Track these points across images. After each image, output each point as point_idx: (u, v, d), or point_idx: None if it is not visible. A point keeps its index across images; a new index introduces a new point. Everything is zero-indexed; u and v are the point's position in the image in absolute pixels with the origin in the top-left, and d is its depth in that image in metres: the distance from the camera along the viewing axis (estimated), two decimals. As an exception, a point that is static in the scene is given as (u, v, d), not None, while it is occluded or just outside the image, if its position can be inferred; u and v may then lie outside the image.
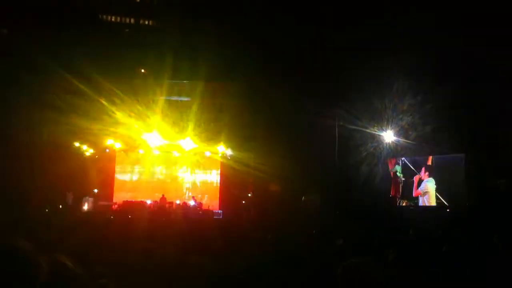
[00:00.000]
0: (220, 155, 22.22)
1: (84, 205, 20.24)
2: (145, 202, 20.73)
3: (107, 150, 21.99)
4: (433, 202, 17.53)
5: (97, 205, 20.47)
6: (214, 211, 20.78)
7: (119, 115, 19.44)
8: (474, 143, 16.17)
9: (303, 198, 18.76)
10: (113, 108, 19.24)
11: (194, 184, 22.83)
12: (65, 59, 17.54)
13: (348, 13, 18.83)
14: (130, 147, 22.12)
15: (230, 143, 21.39)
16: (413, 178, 18.13)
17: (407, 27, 16.72)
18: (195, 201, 20.90)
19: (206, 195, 22.59)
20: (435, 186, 17.53)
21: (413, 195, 18.08)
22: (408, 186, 18.38)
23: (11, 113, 17.22)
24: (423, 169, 17.80)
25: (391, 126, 18.49)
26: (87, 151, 22.00)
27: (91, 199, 20.63)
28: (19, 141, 17.59)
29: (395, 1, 17.53)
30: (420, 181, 17.92)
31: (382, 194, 18.51)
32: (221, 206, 21.89)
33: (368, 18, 18.17)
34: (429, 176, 17.67)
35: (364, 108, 18.29)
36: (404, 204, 18.41)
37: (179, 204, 20.96)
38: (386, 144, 18.79)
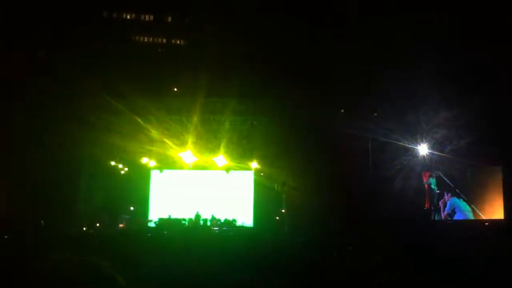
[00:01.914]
0: (253, 171, 22.45)
1: (120, 223, 20.64)
2: (181, 219, 21.00)
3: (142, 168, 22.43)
4: (469, 214, 17.34)
5: (134, 223, 20.83)
6: (248, 226, 20.91)
7: (154, 133, 19.83)
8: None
9: None
10: (148, 126, 19.64)
11: (228, 200, 22.99)
12: (101, 79, 18.06)
13: (378, 27, 18.76)
14: (165, 164, 22.50)
15: (262, 160, 21.55)
16: (444, 192, 18.07)
17: (440, 37, 16.57)
18: (230, 218, 21.11)
19: (240, 211, 22.71)
20: (460, 200, 17.38)
21: (443, 217, 17.94)
22: (443, 199, 18.27)
23: (48, 132, 17.74)
24: (444, 192, 17.78)
25: (425, 139, 18.31)
26: (123, 169, 22.48)
27: (127, 217, 21.02)
28: (56, 161, 18.09)
29: (425, 13, 17.39)
30: (445, 204, 17.82)
31: (417, 208, 18.32)
32: (255, 222, 21.98)
33: (400, 31, 18.06)
34: (452, 196, 17.62)
35: (397, 121, 18.17)
36: (440, 218, 18.22)
37: (214, 220, 21.16)
38: (420, 158, 18.60)
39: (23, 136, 17.56)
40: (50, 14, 20.01)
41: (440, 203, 18.21)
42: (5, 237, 11.81)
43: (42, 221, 15.06)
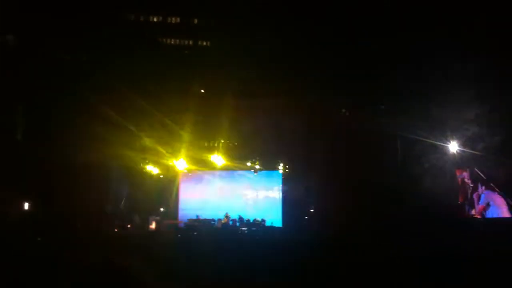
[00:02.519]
0: (281, 171, 22.49)
1: (151, 224, 20.87)
2: (210, 220, 21.14)
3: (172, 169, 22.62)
4: (504, 210, 17.13)
5: (163, 224, 21.04)
6: (276, 227, 20.88)
7: (183, 134, 20.01)
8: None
9: None
10: (177, 128, 19.82)
11: (256, 200, 23.04)
12: (132, 82, 18.31)
13: (407, 20, 18.50)
14: (193, 165, 22.67)
15: (290, 160, 21.56)
16: (478, 185, 17.89)
17: (471, 32, 16.29)
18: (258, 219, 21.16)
19: (268, 212, 22.72)
20: (495, 193, 17.18)
21: (477, 210, 17.74)
22: (477, 192, 18.10)
23: (79, 134, 18.05)
24: (479, 184, 17.60)
25: (456, 136, 18.05)
26: (152, 170, 22.73)
27: (157, 218, 21.24)
28: (86, 164, 18.39)
29: (456, 8, 17.09)
30: (479, 196, 17.63)
31: (450, 204, 18.11)
32: (284, 222, 21.95)
33: (429, 25, 17.78)
34: (486, 189, 17.44)
35: (427, 118, 17.95)
36: (472, 214, 18.01)
37: (243, 221, 21.22)
38: (452, 155, 18.36)
39: (53, 138, 17.92)
40: (77, 15, 20.34)
41: (474, 196, 18.03)
42: (38, 239, 12.13)
43: (78, 223, 15.41)
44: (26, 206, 18.61)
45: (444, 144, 18.24)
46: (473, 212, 18.11)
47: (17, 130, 18.29)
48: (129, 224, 20.44)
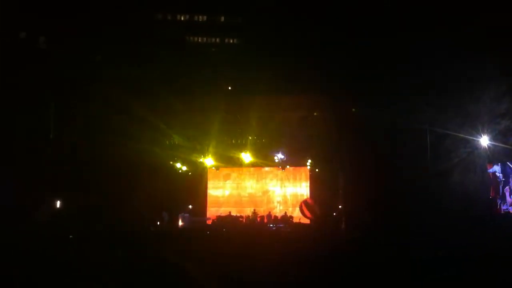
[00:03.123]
0: (308, 167, 22.44)
1: (179, 221, 21.08)
2: (238, 217, 21.27)
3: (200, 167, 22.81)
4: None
5: (192, 221, 21.23)
6: (304, 224, 20.87)
7: (212, 132, 20.15)
8: None
9: None
10: (206, 126, 19.96)
11: (284, 197, 23.07)
12: (163, 82, 18.52)
13: (437, 11, 18.17)
14: (221, 162, 22.82)
15: (317, 156, 21.48)
16: (509, 179, 17.64)
17: (502, 24, 15.97)
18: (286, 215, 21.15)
19: (296, 208, 22.71)
20: None
21: (509, 204, 17.49)
22: (508, 186, 17.84)
23: (110, 131, 18.31)
24: (510, 178, 17.35)
25: (487, 130, 17.75)
26: (181, 169, 22.96)
27: (186, 215, 21.44)
28: (118, 163, 18.65)
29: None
30: (510, 191, 17.39)
31: (481, 199, 17.86)
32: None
33: (458, 18, 17.46)
34: None
35: (456, 112, 17.68)
36: (503, 208, 17.76)
37: (271, 217, 21.27)
38: (483, 149, 18.08)
39: (84, 137, 18.23)
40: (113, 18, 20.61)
41: (505, 190, 17.79)
42: (70, 236, 12.42)
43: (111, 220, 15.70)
44: (58, 204, 19.02)
45: (475, 139, 17.96)
46: (504, 206, 17.87)
47: (53, 130, 18.71)
48: (158, 221, 20.68)
